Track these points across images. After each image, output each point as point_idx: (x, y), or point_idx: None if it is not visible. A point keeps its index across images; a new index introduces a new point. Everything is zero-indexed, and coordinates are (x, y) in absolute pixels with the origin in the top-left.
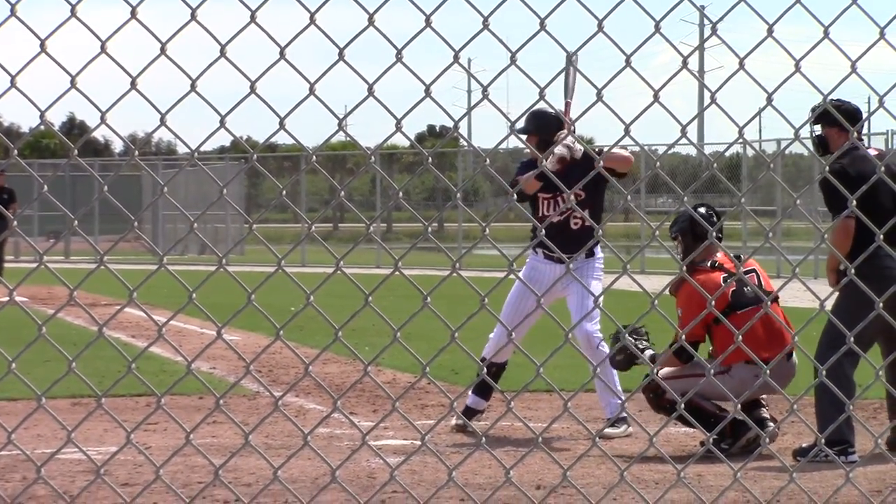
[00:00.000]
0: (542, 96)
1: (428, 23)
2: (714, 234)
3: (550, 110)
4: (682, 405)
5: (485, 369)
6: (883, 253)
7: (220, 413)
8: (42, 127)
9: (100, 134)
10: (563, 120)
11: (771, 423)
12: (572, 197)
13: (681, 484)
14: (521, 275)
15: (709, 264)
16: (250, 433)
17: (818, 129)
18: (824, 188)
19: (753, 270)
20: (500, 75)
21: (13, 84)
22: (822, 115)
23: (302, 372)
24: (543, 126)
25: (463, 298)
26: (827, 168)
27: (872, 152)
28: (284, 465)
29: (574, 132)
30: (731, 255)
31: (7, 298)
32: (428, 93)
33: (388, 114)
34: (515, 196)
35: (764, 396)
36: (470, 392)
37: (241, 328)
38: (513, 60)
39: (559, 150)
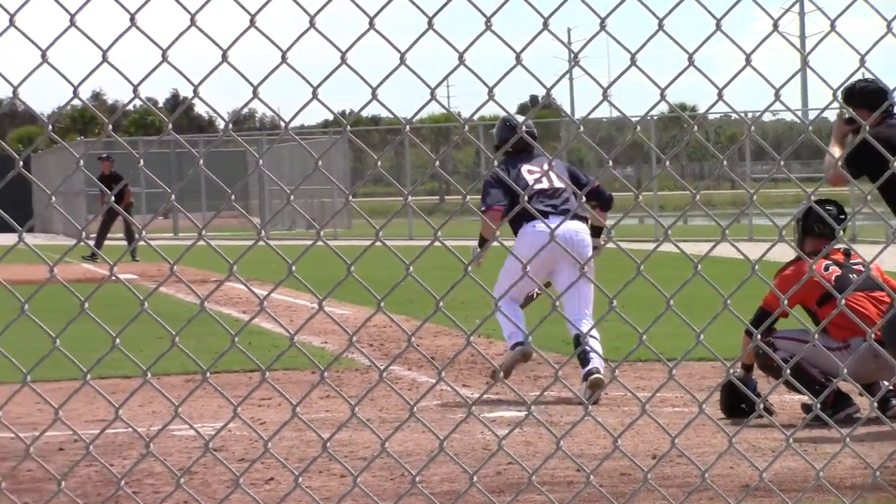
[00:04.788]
0: (633, 62)
1: None
2: (837, 230)
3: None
4: (789, 371)
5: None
6: None
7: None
8: (138, 102)
9: (204, 110)
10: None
11: (894, 398)
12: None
13: (796, 451)
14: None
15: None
16: (356, 405)
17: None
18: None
19: (860, 263)
20: (591, 42)
21: (105, 59)
22: (850, 97)
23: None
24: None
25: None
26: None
27: None
28: (400, 439)
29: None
30: (842, 249)
31: (108, 274)
32: (518, 61)
33: (482, 83)
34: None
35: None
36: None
37: (352, 302)
38: (602, 27)
39: None
